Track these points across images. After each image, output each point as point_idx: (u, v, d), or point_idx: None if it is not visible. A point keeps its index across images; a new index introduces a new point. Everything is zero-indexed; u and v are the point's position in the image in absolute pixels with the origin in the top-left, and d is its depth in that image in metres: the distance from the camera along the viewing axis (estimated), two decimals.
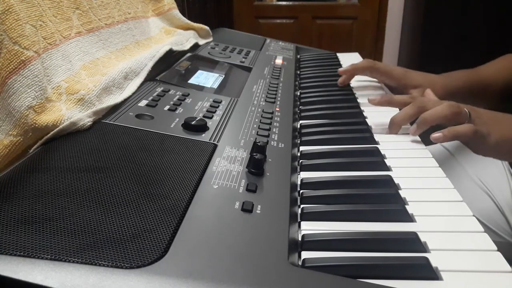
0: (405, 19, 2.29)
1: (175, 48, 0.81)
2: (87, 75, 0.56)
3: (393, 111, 0.69)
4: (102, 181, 0.38)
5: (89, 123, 0.47)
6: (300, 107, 0.72)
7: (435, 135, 0.55)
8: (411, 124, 0.60)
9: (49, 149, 0.42)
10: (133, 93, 0.59)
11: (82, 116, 0.47)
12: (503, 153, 0.57)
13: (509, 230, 0.68)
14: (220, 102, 0.62)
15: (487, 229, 0.67)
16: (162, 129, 0.50)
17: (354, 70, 0.80)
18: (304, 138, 0.58)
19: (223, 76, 0.78)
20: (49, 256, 0.28)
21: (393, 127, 0.59)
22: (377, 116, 0.66)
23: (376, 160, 0.51)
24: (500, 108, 0.61)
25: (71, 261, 0.28)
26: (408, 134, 0.59)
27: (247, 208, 0.38)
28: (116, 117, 0.51)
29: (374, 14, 2.41)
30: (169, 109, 0.56)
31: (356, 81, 0.84)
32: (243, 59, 0.93)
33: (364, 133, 0.60)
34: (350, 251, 0.36)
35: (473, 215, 0.41)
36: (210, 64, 0.84)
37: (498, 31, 1.79)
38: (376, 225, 0.39)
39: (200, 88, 0.69)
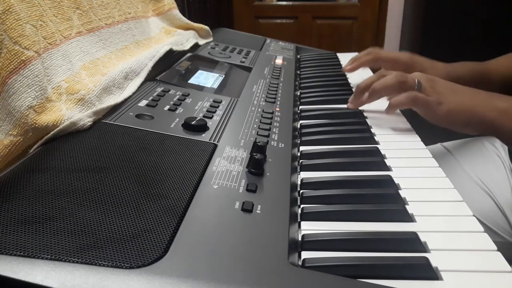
0: (405, 19, 2.29)
1: (175, 48, 0.81)
2: (87, 75, 0.56)
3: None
4: (102, 181, 0.38)
5: (89, 123, 0.47)
6: (300, 107, 0.72)
7: (385, 108, 0.61)
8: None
9: (49, 149, 0.42)
10: (133, 93, 0.59)
11: (82, 116, 0.47)
12: (458, 124, 0.58)
13: (509, 229, 0.68)
14: (220, 102, 0.62)
15: (487, 229, 0.67)
16: (162, 129, 0.50)
17: (359, 65, 0.83)
18: (304, 138, 0.58)
19: (223, 76, 0.78)
20: (49, 256, 0.28)
21: (358, 93, 0.65)
22: (377, 116, 0.66)
23: (376, 160, 0.51)
24: None
25: (71, 261, 0.28)
26: (408, 134, 0.59)
27: (247, 208, 0.38)
28: (116, 117, 0.51)
29: (374, 14, 2.41)
30: (169, 109, 0.56)
31: (356, 80, 0.84)
32: (243, 59, 0.93)
33: (364, 133, 0.60)
34: (350, 251, 0.36)
35: (473, 215, 0.41)
36: (210, 64, 0.84)
37: (498, 31, 1.79)
38: (376, 225, 0.39)
39: (200, 88, 0.69)
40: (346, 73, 0.91)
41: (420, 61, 0.79)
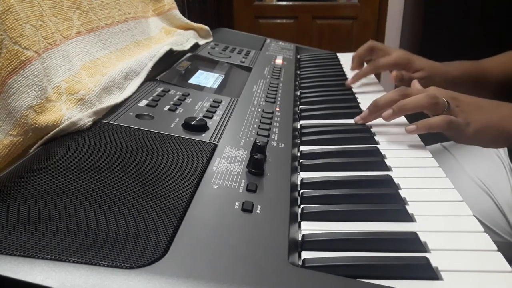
0: (405, 19, 2.28)
1: (175, 48, 0.81)
2: (87, 75, 0.56)
3: None
4: (102, 181, 0.38)
5: (89, 123, 0.47)
6: (300, 107, 0.72)
7: (409, 127, 0.56)
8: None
9: (49, 149, 0.42)
10: (133, 93, 0.59)
11: (82, 116, 0.47)
12: (485, 141, 0.56)
13: (509, 229, 0.68)
14: (220, 102, 0.62)
15: (487, 229, 0.67)
16: (162, 129, 0.50)
17: (359, 60, 0.86)
18: (304, 138, 0.58)
19: (223, 76, 0.78)
20: (49, 256, 0.28)
21: (375, 110, 0.60)
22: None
23: (376, 160, 0.51)
24: (498, 100, 0.60)
25: (71, 261, 0.28)
26: (408, 134, 0.59)
27: (247, 208, 0.38)
28: (116, 117, 0.51)
29: (374, 14, 2.41)
30: (169, 109, 0.56)
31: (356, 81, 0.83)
32: (243, 59, 0.93)
33: (364, 133, 0.60)
34: (350, 251, 0.36)
35: (473, 215, 0.41)
36: (210, 64, 0.84)
37: (498, 31, 1.79)
38: (376, 225, 0.39)
39: (200, 88, 0.69)
40: (346, 74, 0.91)
41: (417, 60, 0.79)
